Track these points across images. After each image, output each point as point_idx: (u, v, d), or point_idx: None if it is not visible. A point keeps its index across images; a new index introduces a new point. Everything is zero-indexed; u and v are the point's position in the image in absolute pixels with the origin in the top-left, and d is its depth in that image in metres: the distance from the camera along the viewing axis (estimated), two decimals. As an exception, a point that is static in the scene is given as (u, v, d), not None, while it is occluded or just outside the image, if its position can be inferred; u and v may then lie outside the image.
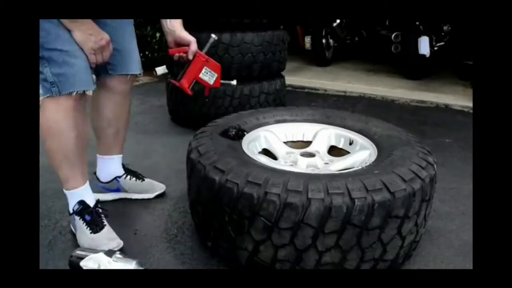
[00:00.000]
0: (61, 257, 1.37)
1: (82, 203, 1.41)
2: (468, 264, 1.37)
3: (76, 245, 1.39)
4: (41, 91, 1.27)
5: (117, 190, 1.72)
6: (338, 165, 1.44)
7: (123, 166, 1.72)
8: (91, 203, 1.43)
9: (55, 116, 1.30)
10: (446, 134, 2.64)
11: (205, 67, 1.39)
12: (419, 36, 3.93)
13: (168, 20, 1.43)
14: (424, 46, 3.92)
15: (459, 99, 3.42)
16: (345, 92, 3.72)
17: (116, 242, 1.38)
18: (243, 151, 1.39)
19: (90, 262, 1.22)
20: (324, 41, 4.58)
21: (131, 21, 1.51)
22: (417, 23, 3.95)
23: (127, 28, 1.49)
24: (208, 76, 1.40)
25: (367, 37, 5.07)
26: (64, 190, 1.43)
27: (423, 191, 1.19)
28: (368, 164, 1.32)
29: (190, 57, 1.40)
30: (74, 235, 1.46)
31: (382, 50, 4.52)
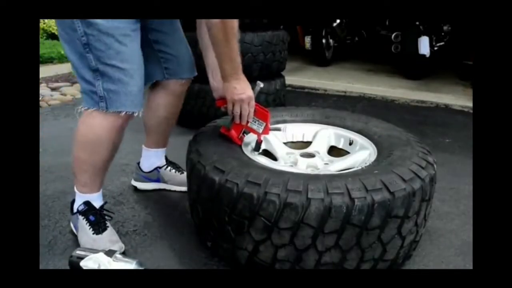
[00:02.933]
0: (61, 257, 1.37)
1: (87, 204, 1.41)
2: (468, 264, 1.37)
3: (77, 245, 1.39)
4: (85, 102, 1.28)
5: (157, 180, 1.79)
6: (338, 165, 1.44)
7: (166, 159, 1.79)
8: (97, 206, 1.43)
9: (99, 130, 1.30)
10: (446, 134, 2.64)
11: (253, 116, 1.40)
12: (419, 36, 3.93)
13: (211, 78, 1.45)
14: (424, 46, 3.92)
15: (459, 99, 3.42)
16: (345, 92, 3.72)
17: (118, 246, 1.37)
18: (243, 152, 1.39)
19: (90, 262, 1.22)
20: (324, 41, 4.57)
21: (180, 26, 1.52)
22: (417, 23, 3.94)
23: (178, 33, 1.51)
24: (257, 124, 1.41)
25: (367, 37, 5.07)
26: (75, 189, 1.43)
27: (423, 191, 1.19)
28: (368, 164, 1.32)
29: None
30: (74, 235, 1.46)
31: (382, 50, 4.52)
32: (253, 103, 1.36)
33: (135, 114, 1.32)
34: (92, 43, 1.20)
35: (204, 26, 1.43)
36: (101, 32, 1.19)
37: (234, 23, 1.24)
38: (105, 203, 1.47)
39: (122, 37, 1.22)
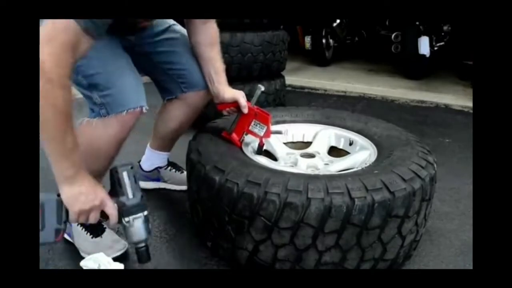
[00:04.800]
0: (61, 257, 1.37)
1: None
2: (468, 264, 1.37)
3: (76, 245, 1.39)
4: (90, 113, 1.27)
5: (157, 179, 1.80)
6: (338, 165, 1.44)
7: (167, 160, 1.79)
8: None
9: (105, 138, 1.26)
10: (446, 134, 2.64)
11: (254, 120, 1.41)
12: (419, 36, 3.93)
13: (210, 84, 1.45)
14: (424, 46, 3.92)
15: (459, 99, 3.42)
16: (345, 92, 3.72)
17: (122, 244, 1.36)
18: (243, 152, 1.39)
19: (90, 262, 1.22)
20: (324, 41, 4.57)
21: (188, 43, 1.50)
22: (417, 23, 3.94)
23: (187, 50, 1.50)
24: (258, 128, 1.42)
25: (367, 37, 5.07)
26: None
27: (423, 191, 1.19)
28: (368, 164, 1.32)
29: (245, 110, 1.40)
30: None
31: (382, 50, 4.52)
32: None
33: (144, 110, 1.27)
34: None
35: (198, 34, 1.44)
36: None
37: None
38: None
39: (102, 46, 1.18)
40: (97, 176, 1.35)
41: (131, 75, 1.28)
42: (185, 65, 1.49)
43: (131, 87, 1.27)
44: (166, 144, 1.73)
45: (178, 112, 1.59)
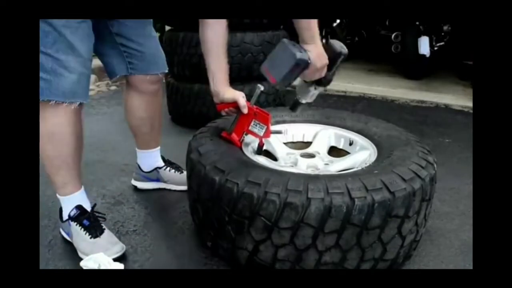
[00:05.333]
0: (61, 257, 1.37)
1: (79, 208, 1.39)
2: (468, 264, 1.37)
3: (76, 245, 1.39)
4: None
5: (157, 180, 1.80)
6: (338, 165, 1.44)
7: (163, 158, 1.79)
8: (88, 208, 1.41)
9: (55, 121, 1.27)
10: (446, 134, 2.64)
11: (253, 120, 1.40)
12: (419, 36, 3.93)
13: (212, 82, 1.43)
14: (424, 46, 3.91)
15: (459, 99, 3.41)
16: (345, 92, 3.72)
17: (119, 246, 1.36)
18: (243, 152, 1.39)
19: (90, 262, 1.22)
20: (324, 41, 4.58)
21: (150, 20, 1.49)
22: (417, 23, 3.94)
23: (146, 28, 1.48)
24: (258, 128, 1.41)
25: (367, 37, 5.06)
26: (58, 196, 1.40)
27: (423, 191, 1.19)
28: (368, 164, 1.32)
29: (245, 111, 1.39)
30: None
31: (382, 50, 4.52)
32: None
33: (72, 106, 1.26)
34: None
35: (209, 29, 1.41)
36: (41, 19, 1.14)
37: None
38: (95, 205, 1.45)
39: (62, 28, 1.18)
40: (68, 168, 1.34)
41: (79, 70, 1.24)
42: (139, 46, 1.46)
43: (73, 82, 1.24)
44: (148, 140, 1.72)
45: (137, 101, 1.59)
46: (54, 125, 1.28)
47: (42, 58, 1.19)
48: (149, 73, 1.53)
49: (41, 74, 1.20)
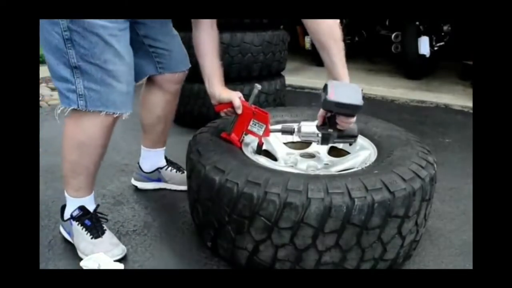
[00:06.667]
0: (61, 257, 1.37)
1: (82, 208, 1.39)
2: (468, 264, 1.37)
3: (76, 245, 1.39)
4: (62, 102, 1.23)
5: (158, 180, 1.80)
6: (338, 165, 1.44)
7: (165, 158, 1.79)
8: (91, 209, 1.41)
9: (88, 132, 1.27)
10: (446, 134, 2.64)
11: (252, 119, 1.40)
12: (419, 36, 3.93)
13: (208, 85, 1.45)
14: (424, 46, 3.91)
15: (459, 99, 3.41)
16: (345, 92, 3.71)
17: (120, 249, 1.35)
18: (243, 152, 1.39)
19: (90, 262, 1.22)
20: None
21: (170, 20, 1.51)
22: (417, 23, 3.94)
23: (169, 27, 1.50)
24: (257, 127, 1.41)
25: (367, 37, 5.07)
26: (66, 195, 1.40)
27: (423, 191, 1.19)
28: (368, 164, 1.32)
29: (239, 111, 1.39)
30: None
31: (382, 50, 4.52)
32: None
33: (123, 116, 1.28)
34: (76, 39, 1.16)
35: (203, 32, 1.44)
36: (86, 29, 1.15)
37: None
38: (98, 206, 1.45)
39: (109, 37, 1.18)
40: (95, 168, 1.36)
41: (126, 79, 1.26)
42: (165, 44, 1.48)
43: (122, 92, 1.25)
44: (158, 138, 1.73)
45: (158, 99, 1.60)
46: (87, 135, 1.28)
47: (92, 69, 1.19)
48: (177, 71, 1.55)
49: (91, 85, 1.20)
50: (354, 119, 1.28)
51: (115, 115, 1.26)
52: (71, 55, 1.18)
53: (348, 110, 1.24)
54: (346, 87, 1.26)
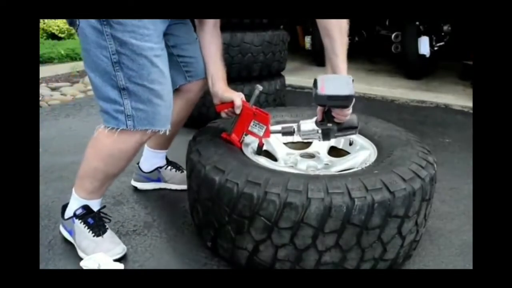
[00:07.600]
0: (61, 257, 1.37)
1: (86, 207, 1.39)
2: (468, 264, 1.37)
3: (76, 245, 1.39)
4: (108, 122, 1.25)
5: (158, 180, 1.80)
6: (338, 165, 1.44)
7: (166, 158, 1.80)
8: (95, 209, 1.41)
9: (125, 146, 1.30)
10: (446, 134, 2.64)
11: (253, 120, 1.40)
12: (419, 36, 3.93)
13: (211, 84, 1.46)
14: (424, 46, 3.91)
15: (459, 99, 3.42)
16: (345, 92, 3.71)
17: (121, 248, 1.36)
18: (243, 152, 1.39)
19: (90, 262, 1.22)
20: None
21: (191, 26, 1.51)
22: (417, 23, 3.94)
23: (192, 34, 1.51)
24: (257, 128, 1.41)
25: (367, 37, 5.07)
26: (74, 193, 1.39)
27: (423, 191, 1.19)
28: (368, 164, 1.32)
29: (237, 111, 1.40)
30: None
31: (382, 50, 4.52)
32: None
33: (161, 132, 1.30)
34: (125, 62, 1.19)
35: (207, 34, 1.45)
36: (134, 52, 1.19)
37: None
38: (104, 206, 1.45)
39: (155, 58, 1.22)
40: (105, 182, 1.39)
41: (169, 97, 1.30)
42: (192, 52, 1.49)
43: (166, 110, 1.29)
44: (165, 141, 1.73)
45: (177, 107, 1.56)
46: (122, 149, 1.30)
47: (139, 90, 1.22)
48: (202, 77, 1.53)
49: (138, 105, 1.23)
50: (349, 110, 1.28)
51: (160, 132, 1.30)
52: (119, 77, 1.21)
53: (341, 101, 1.23)
54: (336, 79, 1.24)
